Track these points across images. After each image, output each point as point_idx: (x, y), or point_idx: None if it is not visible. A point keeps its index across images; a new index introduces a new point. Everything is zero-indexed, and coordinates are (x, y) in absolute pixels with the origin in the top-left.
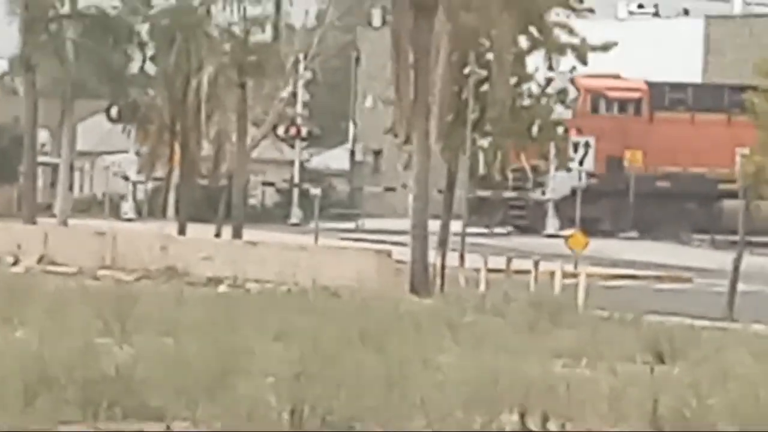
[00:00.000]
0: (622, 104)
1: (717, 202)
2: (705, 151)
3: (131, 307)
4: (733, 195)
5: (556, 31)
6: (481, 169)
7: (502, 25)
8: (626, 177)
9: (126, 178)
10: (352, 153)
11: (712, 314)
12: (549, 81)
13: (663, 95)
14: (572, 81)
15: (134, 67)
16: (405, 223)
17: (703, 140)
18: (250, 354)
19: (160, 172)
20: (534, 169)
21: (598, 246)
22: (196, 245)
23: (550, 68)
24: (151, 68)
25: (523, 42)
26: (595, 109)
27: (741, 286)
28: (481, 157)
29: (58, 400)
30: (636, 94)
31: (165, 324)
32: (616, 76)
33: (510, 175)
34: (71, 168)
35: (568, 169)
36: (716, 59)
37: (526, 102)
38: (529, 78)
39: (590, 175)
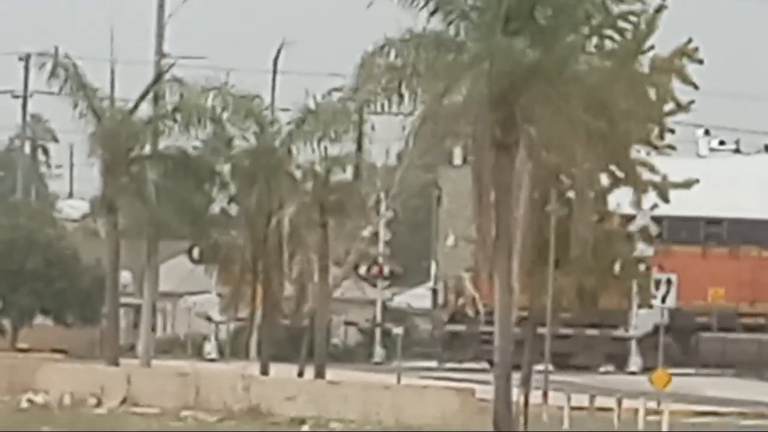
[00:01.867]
0: None
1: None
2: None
3: None
4: (706, 328)
5: (638, 169)
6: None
7: (584, 163)
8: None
9: (209, 319)
10: (434, 292)
11: None
12: (631, 218)
13: None
14: None
15: (216, 208)
16: None
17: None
18: None
19: (242, 313)
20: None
21: (680, 382)
22: (279, 385)
23: (634, 206)
24: (232, 208)
25: (604, 179)
26: None
27: None
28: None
29: None
30: None
31: None
32: None
33: (482, 309)
34: (154, 309)
35: (650, 306)
36: None
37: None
38: (611, 216)
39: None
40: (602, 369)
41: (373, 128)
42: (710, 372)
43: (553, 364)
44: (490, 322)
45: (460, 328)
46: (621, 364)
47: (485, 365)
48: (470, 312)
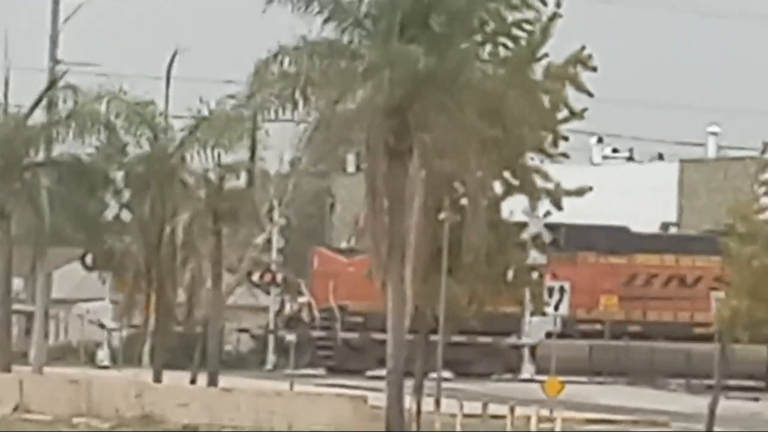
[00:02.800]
0: None
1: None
2: None
3: None
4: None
5: (532, 176)
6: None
7: (477, 170)
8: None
9: (101, 326)
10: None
11: None
12: (524, 226)
13: None
14: None
15: (109, 215)
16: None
17: None
18: None
19: (135, 320)
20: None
21: (573, 390)
22: (172, 392)
23: (527, 214)
24: (126, 215)
25: (498, 187)
26: None
27: (717, 430)
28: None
29: None
30: None
31: None
32: None
33: (318, 315)
34: (46, 316)
35: (544, 314)
36: (691, 202)
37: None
38: (504, 224)
39: None
40: (496, 376)
41: (267, 135)
42: (603, 380)
43: (450, 372)
44: (325, 328)
45: (294, 333)
46: (516, 372)
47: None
48: (306, 318)
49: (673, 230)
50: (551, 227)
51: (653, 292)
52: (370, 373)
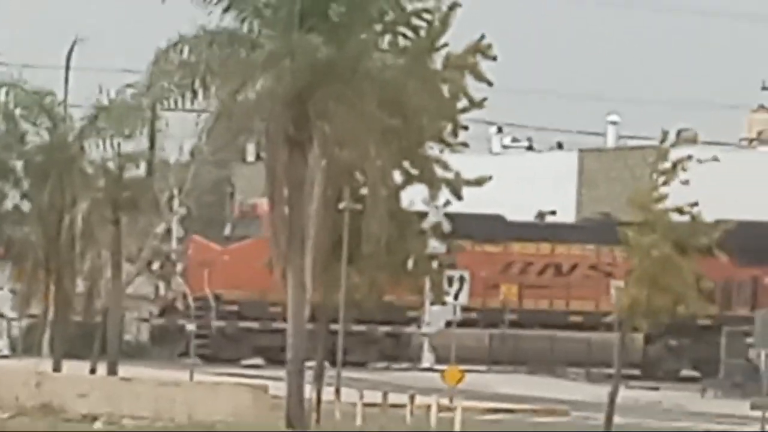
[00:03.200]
0: None
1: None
2: None
3: None
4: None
5: (432, 166)
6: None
7: (377, 159)
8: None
9: (0, 315)
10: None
11: None
12: (424, 215)
13: None
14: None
15: (8, 204)
16: None
17: None
18: None
19: (34, 309)
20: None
21: (474, 379)
22: (72, 382)
23: (427, 203)
24: (25, 205)
25: (398, 176)
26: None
27: (617, 419)
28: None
29: None
30: None
31: None
32: None
33: (192, 304)
34: None
35: (443, 303)
36: (590, 192)
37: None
38: (403, 213)
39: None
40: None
41: (167, 125)
42: (503, 369)
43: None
44: (199, 317)
45: (168, 322)
46: (415, 361)
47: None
48: (180, 306)
49: (549, 219)
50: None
51: (529, 281)
52: (245, 362)
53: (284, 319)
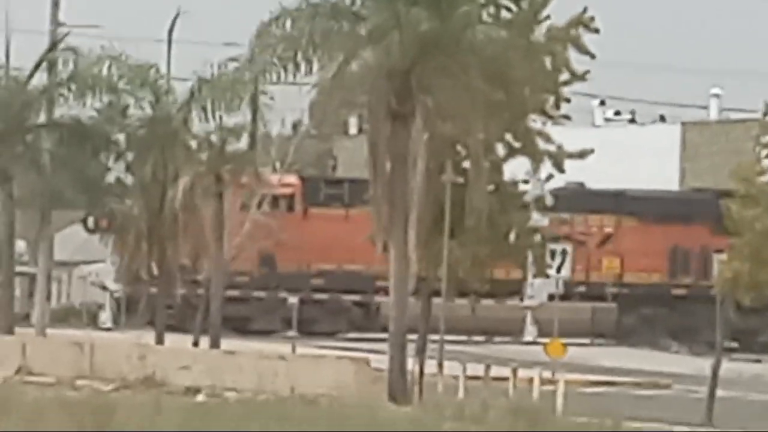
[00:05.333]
0: (275, 200)
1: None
2: (361, 249)
3: (109, 418)
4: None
5: (534, 138)
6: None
7: (480, 132)
8: (278, 275)
9: (104, 288)
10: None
11: (692, 420)
12: (526, 188)
13: (318, 191)
14: None
15: (111, 177)
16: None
17: (359, 237)
18: None
19: (137, 282)
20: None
21: (576, 353)
22: (174, 354)
23: (529, 176)
24: (128, 178)
25: (500, 149)
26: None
27: (719, 392)
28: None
29: None
30: (288, 190)
31: None
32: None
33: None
34: (49, 278)
35: (546, 276)
36: (693, 165)
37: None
38: (506, 186)
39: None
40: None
41: (272, 99)
42: (606, 342)
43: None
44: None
45: (134, 291)
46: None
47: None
48: (144, 275)
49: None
50: None
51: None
52: None
53: (461, 295)
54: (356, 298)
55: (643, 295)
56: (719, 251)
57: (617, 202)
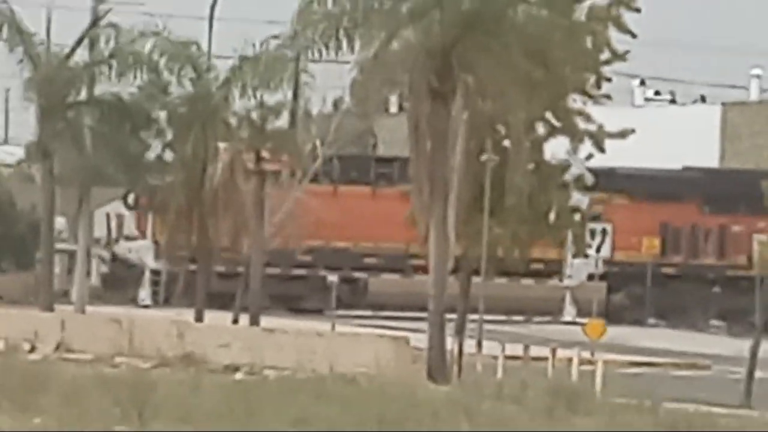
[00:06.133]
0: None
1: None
2: (349, 225)
3: (149, 395)
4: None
5: (574, 118)
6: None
7: (520, 111)
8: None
9: (142, 265)
10: None
11: (730, 401)
12: (566, 167)
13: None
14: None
15: (151, 154)
16: None
17: (347, 213)
18: None
19: (177, 259)
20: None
21: (615, 333)
22: (213, 332)
23: (569, 155)
24: (168, 155)
25: (540, 128)
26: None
27: (758, 374)
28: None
29: None
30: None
31: (183, 411)
32: None
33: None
34: (88, 255)
35: (585, 256)
36: (733, 145)
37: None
38: (546, 165)
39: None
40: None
41: (312, 77)
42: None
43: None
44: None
45: (117, 267)
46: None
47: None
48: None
49: None
50: None
51: None
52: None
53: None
54: (343, 274)
55: (632, 273)
56: (758, 232)
57: (608, 179)
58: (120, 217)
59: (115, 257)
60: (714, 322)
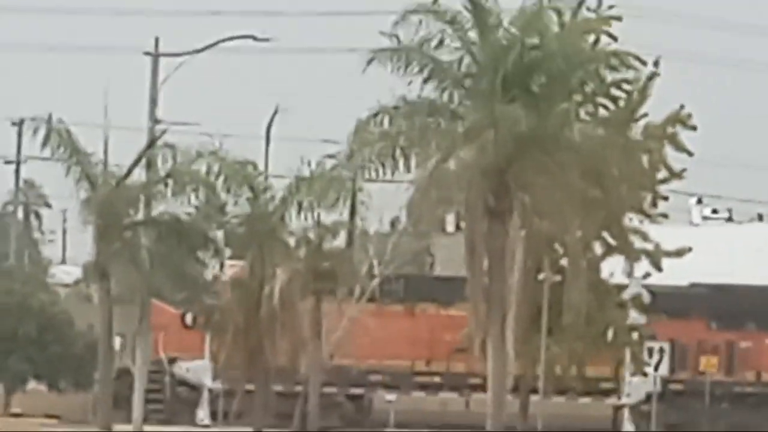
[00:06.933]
0: None
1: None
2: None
3: None
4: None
5: (631, 237)
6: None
7: (577, 230)
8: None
9: (201, 385)
10: None
11: None
12: (623, 287)
13: None
14: None
15: (209, 274)
16: None
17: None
18: None
19: (235, 379)
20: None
21: None
22: None
23: (626, 274)
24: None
25: (597, 247)
26: None
27: None
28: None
29: None
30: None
31: None
32: None
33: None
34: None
35: (644, 374)
36: None
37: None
38: (603, 284)
39: None
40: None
41: (369, 196)
42: None
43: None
44: (155, 381)
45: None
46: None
47: None
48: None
49: None
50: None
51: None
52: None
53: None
54: (349, 392)
55: None
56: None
57: None
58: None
59: (119, 375)
60: None
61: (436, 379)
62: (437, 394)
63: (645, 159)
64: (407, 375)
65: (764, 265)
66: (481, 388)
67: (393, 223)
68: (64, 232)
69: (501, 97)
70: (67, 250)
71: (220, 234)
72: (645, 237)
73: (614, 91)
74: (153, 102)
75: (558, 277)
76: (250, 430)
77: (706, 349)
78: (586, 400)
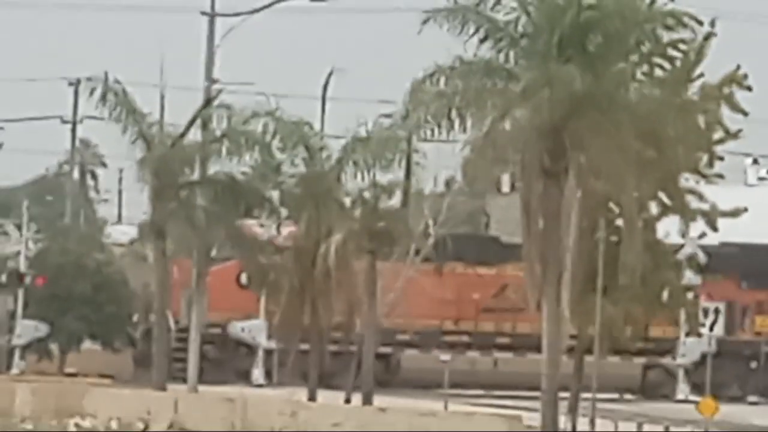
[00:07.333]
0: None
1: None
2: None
3: None
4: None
5: (686, 197)
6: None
7: (633, 191)
8: None
9: (256, 345)
10: None
11: None
12: (679, 247)
13: None
14: None
15: (264, 234)
16: None
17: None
18: None
19: (290, 338)
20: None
21: (729, 411)
22: (326, 411)
23: (682, 234)
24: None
25: (653, 207)
26: None
27: None
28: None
29: None
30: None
31: None
32: None
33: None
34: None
35: (699, 335)
36: None
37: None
38: (659, 244)
39: None
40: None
41: (425, 157)
42: (758, 400)
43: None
44: (181, 340)
45: (148, 347)
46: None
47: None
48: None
49: None
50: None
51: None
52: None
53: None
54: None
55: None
56: None
57: None
58: None
59: (146, 334)
60: (752, 398)
61: (464, 338)
62: (465, 354)
63: (701, 119)
64: (436, 334)
65: None
66: (508, 347)
67: (448, 183)
68: (120, 192)
69: (557, 57)
70: (123, 209)
71: (275, 194)
72: (701, 197)
73: (670, 52)
74: (209, 62)
75: (614, 238)
76: (304, 388)
77: (734, 308)
78: (640, 359)
